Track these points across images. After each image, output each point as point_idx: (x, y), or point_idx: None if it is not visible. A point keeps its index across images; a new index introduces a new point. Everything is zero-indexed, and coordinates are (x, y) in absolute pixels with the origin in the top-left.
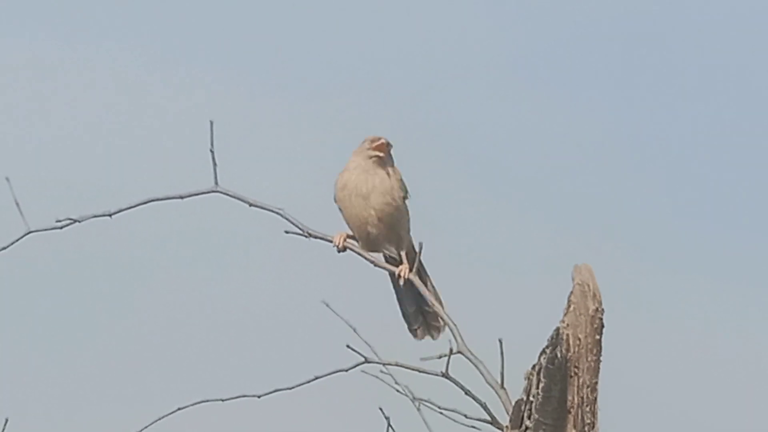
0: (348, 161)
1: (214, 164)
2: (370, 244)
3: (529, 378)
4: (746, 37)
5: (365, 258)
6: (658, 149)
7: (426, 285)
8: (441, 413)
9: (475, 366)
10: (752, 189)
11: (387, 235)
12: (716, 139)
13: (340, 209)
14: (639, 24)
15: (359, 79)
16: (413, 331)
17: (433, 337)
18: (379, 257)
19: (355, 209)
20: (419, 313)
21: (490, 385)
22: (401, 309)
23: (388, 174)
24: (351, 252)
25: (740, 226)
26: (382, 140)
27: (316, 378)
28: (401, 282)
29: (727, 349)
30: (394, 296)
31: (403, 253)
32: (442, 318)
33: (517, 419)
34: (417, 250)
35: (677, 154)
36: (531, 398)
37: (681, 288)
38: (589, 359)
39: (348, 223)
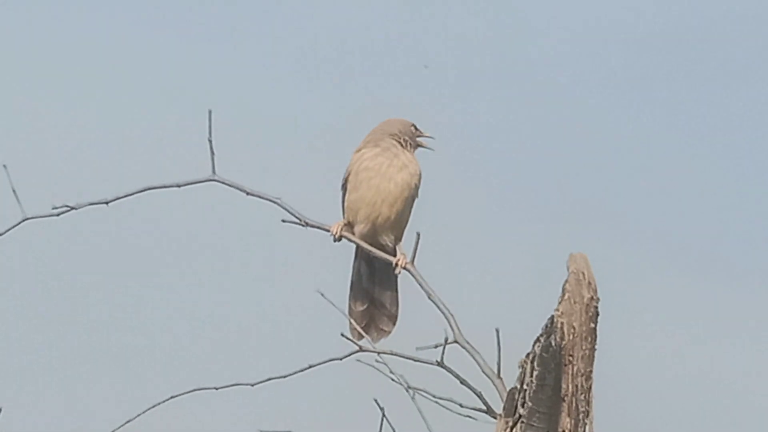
0: (374, 138)
1: (212, 153)
2: (373, 231)
3: (523, 366)
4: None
5: (362, 246)
6: (651, 144)
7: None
8: (436, 402)
9: (471, 356)
10: (752, 188)
11: (394, 221)
12: (710, 138)
13: (351, 187)
14: (640, 24)
15: (357, 71)
16: (356, 330)
17: (373, 338)
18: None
19: (381, 182)
20: (368, 312)
21: (486, 374)
22: (350, 304)
23: (416, 162)
24: (347, 241)
25: (734, 224)
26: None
27: (311, 366)
28: (398, 271)
29: (724, 342)
30: (348, 291)
31: (399, 245)
32: (438, 307)
33: (510, 407)
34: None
35: (672, 149)
36: (525, 386)
37: (677, 281)
38: (583, 347)
39: (356, 204)
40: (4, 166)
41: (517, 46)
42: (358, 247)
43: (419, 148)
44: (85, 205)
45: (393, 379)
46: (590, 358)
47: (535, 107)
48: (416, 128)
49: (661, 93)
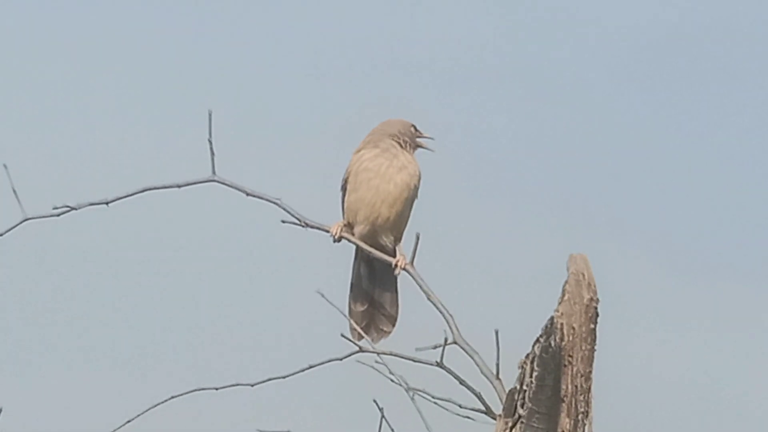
0: (373, 138)
1: (212, 153)
2: (373, 231)
3: (522, 367)
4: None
5: (362, 247)
6: (652, 144)
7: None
8: (435, 403)
9: (470, 357)
10: (752, 189)
11: (394, 221)
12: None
13: (351, 188)
14: (639, 26)
15: (358, 71)
16: (355, 330)
17: (373, 339)
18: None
19: (381, 183)
20: (368, 313)
21: (485, 375)
22: (350, 305)
23: (416, 163)
24: (347, 242)
25: (734, 225)
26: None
27: (311, 367)
28: (397, 272)
29: (723, 343)
30: (348, 292)
31: (399, 246)
32: (437, 308)
33: (510, 408)
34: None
35: (673, 150)
36: (524, 387)
37: (676, 282)
38: (583, 348)
39: (355, 205)
40: (4, 166)
41: (516, 47)
42: (357, 247)
43: (419, 149)
44: (85, 205)
45: (392, 380)
46: (590, 359)
47: (534, 108)
48: (416, 129)
49: (661, 94)
